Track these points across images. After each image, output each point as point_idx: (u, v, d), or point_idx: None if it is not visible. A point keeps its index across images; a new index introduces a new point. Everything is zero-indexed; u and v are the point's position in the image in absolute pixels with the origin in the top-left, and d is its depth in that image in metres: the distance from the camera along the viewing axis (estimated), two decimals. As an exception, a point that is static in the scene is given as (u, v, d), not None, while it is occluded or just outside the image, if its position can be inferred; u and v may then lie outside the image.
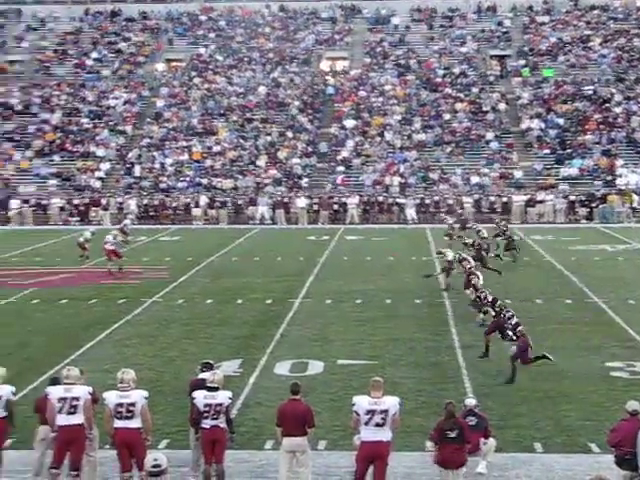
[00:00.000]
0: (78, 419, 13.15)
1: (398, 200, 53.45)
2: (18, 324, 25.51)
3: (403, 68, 66.40)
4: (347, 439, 14.82)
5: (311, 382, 18.71)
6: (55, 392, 13.28)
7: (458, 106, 61.66)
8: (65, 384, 13.30)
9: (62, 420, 13.14)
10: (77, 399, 13.16)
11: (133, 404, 12.94)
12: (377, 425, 12.67)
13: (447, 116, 60.92)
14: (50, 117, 62.99)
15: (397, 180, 55.35)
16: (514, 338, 19.59)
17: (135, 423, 12.95)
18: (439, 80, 64.63)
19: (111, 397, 13.02)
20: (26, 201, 54.98)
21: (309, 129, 61.00)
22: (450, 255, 29.98)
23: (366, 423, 12.72)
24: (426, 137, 59.14)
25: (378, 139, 59.40)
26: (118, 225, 44.55)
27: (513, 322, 19.93)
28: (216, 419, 13.28)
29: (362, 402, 12.82)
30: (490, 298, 22.36)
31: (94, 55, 69.94)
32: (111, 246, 34.70)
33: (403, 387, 18.26)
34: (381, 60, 67.80)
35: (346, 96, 63.97)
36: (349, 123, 60.93)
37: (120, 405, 12.92)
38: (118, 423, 12.94)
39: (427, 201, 53.15)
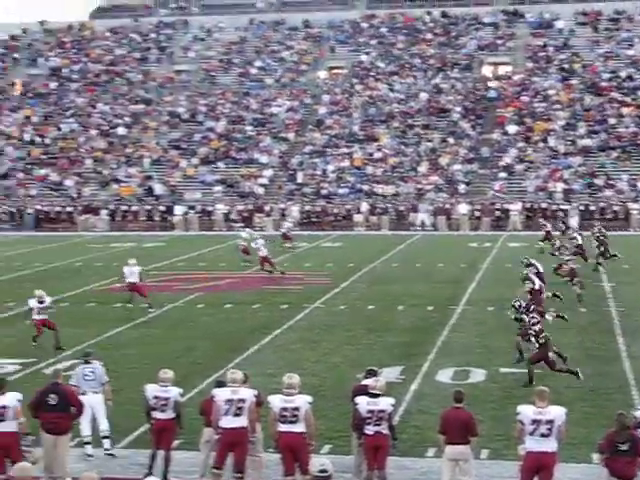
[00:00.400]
0: (243, 421, 13.34)
1: (562, 206, 52.57)
2: (185, 328, 26.09)
3: (567, 72, 65.22)
4: (510, 449, 14.62)
5: (473, 390, 18.50)
6: (222, 394, 13.49)
7: (624, 110, 60.20)
8: (231, 387, 13.54)
9: (227, 422, 13.32)
10: (243, 401, 13.35)
11: (297, 408, 13.04)
12: (542, 435, 12.44)
13: (613, 121, 59.56)
14: (215, 125, 64.35)
15: (561, 186, 54.43)
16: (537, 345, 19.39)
17: (299, 427, 13.04)
18: (604, 84, 63.19)
19: (276, 401, 13.16)
20: (192, 207, 56.31)
21: (471, 135, 60.58)
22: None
23: (531, 433, 12.50)
24: (591, 142, 57.95)
25: (541, 145, 58.53)
26: (279, 231, 45.27)
27: (537, 329, 19.52)
28: (378, 425, 13.28)
29: (527, 411, 12.62)
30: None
31: (258, 64, 71.13)
32: (263, 253, 35.47)
33: (567, 397, 17.84)
34: (544, 64, 66.75)
35: (508, 101, 63.27)
36: (512, 128, 60.23)
37: (285, 409, 13.05)
38: (282, 427, 13.06)
39: (592, 207, 52.10)
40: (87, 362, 15.92)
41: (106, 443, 15.67)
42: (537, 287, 24.81)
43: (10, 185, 60.79)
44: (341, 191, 56.91)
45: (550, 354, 19.43)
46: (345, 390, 16.61)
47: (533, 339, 19.68)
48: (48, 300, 23.94)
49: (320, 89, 68.03)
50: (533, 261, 28.42)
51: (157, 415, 14.11)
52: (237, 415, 13.33)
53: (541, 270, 27.63)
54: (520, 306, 21.18)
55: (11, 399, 13.52)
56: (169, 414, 14.09)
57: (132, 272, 28.86)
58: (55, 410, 14.00)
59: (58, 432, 14.02)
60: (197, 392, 18.38)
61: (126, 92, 69.70)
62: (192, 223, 55.47)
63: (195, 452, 14.70)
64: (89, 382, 15.57)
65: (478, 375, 20.21)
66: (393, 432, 13.59)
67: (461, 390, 13.62)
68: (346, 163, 59.44)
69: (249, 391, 13.57)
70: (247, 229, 44.27)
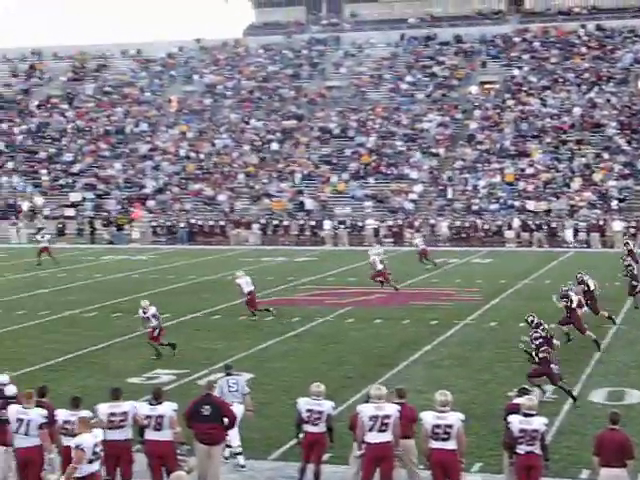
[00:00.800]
0: (387, 437, 13.39)
1: None
2: (334, 342, 26.23)
3: None
4: (668, 473, 14.23)
5: (628, 411, 18.06)
6: (366, 410, 13.57)
7: None
8: (375, 403, 13.57)
9: (372, 437, 13.38)
10: (388, 417, 13.41)
11: (450, 426, 13.01)
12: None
13: None
14: (366, 140, 64.63)
15: None
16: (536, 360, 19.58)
17: (451, 445, 13.01)
18: None
19: (428, 417, 13.14)
20: (342, 222, 56.62)
21: (626, 150, 59.22)
22: None
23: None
24: None
25: (701, 160, 56.89)
26: (428, 247, 45.14)
27: (537, 343, 19.57)
28: (531, 445, 13.08)
29: (686, 435, 12.27)
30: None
31: (409, 79, 71.17)
32: (378, 267, 35.72)
33: None
34: None
35: (667, 115, 61.71)
36: (670, 143, 58.71)
37: (437, 426, 13.02)
38: (434, 444, 13.03)
39: None
40: (229, 374, 16.25)
41: (228, 452, 15.98)
42: (575, 305, 25.01)
43: (165, 199, 62.31)
44: (492, 207, 56.40)
45: (554, 368, 19.35)
46: (496, 408, 16.44)
47: (533, 353, 19.80)
48: (151, 311, 24.57)
49: (471, 104, 67.61)
50: (587, 278, 27.91)
51: (309, 429, 14.19)
52: (382, 431, 13.39)
53: (592, 288, 27.37)
54: (532, 321, 20.97)
55: (167, 409, 13.87)
56: (321, 428, 14.16)
57: (247, 282, 29.46)
58: (209, 421, 14.25)
59: (211, 442, 14.28)
60: (347, 406, 18.43)
61: (278, 108, 70.68)
62: (342, 238, 55.76)
63: (345, 467, 14.74)
64: (233, 393, 15.90)
65: (634, 396, 19.71)
66: (546, 452, 13.36)
67: (617, 411, 13.31)
68: (497, 179, 58.90)
69: (393, 406, 13.62)
70: (377, 244, 44.73)
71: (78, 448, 12.36)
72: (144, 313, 24.73)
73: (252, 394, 16.53)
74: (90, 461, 12.43)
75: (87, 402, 14.36)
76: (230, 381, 16.10)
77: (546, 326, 20.63)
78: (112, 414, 13.70)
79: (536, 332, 20.02)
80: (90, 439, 12.49)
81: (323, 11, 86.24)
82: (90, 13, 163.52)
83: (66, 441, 13.40)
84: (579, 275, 28.29)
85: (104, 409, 13.81)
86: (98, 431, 12.79)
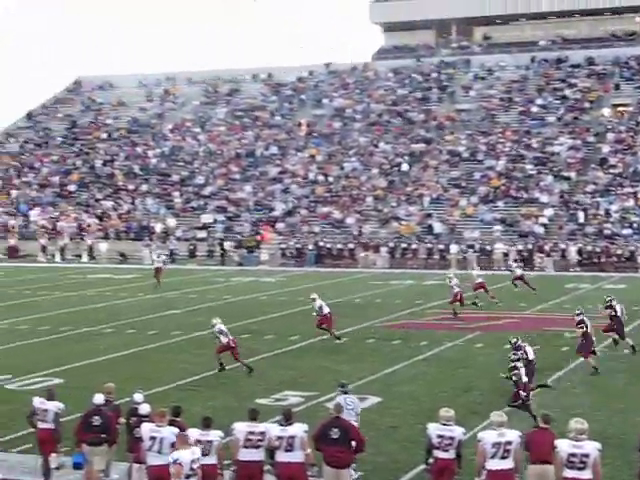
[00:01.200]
0: (509, 464, 13.24)
1: None
2: (463, 367, 26.01)
3: None
4: None
5: None
6: (488, 437, 13.45)
7: None
8: (497, 429, 13.43)
9: (494, 465, 13.25)
10: (510, 443, 13.28)
11: (587, 455, 12.74)
12: None
13: None
14: (495, 164, 64.12)
15: None
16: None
17: (586, 474, 12.74)
18: None
19: (564, 445, 12.90)
20: (470, 246, 56.21)
21: None
22: None
23: None
24: None
25: None
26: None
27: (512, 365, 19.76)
28: (669, 478, 12.76)
29: None
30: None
31: (539, 102, 70.45)
32: (456, 290, 35.65)
33: None
34: None
35: None
36: None
37: (573, 455, 12.76)
38: (569, 473, 12.77)
39: None
40: (345, 392, 16.38)
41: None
42: (588, 330, 25.11)
43: (294, 222, 62.84)
44: (625, 231, 55.27)
45: (521, 394, 19.55)
46: (630, 437, 16.02)
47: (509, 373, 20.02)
48: (217, 328, 25.21)
49: (604, 127, 66.49)
50: (615, 302, 28.03)
51: (439, 454, 14.02)
52: (504, 458, 13.24)
53: (619, 313, 27.70)
54: (516, 342, 21.26)
55: (298, 430, 13.94)
56: (451, 454, 14.01)
57: (322, 305, 29.85)
58: (337, 444, 14.24)
59: (339, 466, 14.25)
60: (474, 434, 18.16)
61: (407, 131, 70.69)
62: (471, 262, 55.33)
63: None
64: (349, 411, 15.92)
65: None
66: (682, 485, 13.00)
67: None
68: (630, 203, 57.74)
69: (515, 433, 13.46)
70: (478, 267, 44.60)
71: (176, 462, 12.62)
72: (215, 330, 25.32)
73: (380, 417, 16.47)
74: (187, 477, 12.64)
75: (218, 422, 14.53)
76: (347, 399, 16.25)
77: (528, 349, 21.25)
78: (250, 433, 13.90)
79: (514, 354, 20.34)
80: (188, 455, 12.74)
81: (453, 34, 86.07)
82: (223, 39, 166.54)
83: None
84: (607, 299, 28.39)
85: (242, 428, 14.00)
86: (196, 449, 13.03)
